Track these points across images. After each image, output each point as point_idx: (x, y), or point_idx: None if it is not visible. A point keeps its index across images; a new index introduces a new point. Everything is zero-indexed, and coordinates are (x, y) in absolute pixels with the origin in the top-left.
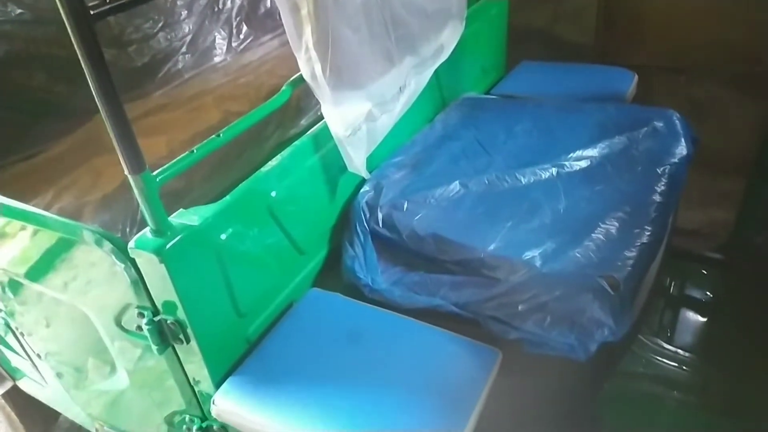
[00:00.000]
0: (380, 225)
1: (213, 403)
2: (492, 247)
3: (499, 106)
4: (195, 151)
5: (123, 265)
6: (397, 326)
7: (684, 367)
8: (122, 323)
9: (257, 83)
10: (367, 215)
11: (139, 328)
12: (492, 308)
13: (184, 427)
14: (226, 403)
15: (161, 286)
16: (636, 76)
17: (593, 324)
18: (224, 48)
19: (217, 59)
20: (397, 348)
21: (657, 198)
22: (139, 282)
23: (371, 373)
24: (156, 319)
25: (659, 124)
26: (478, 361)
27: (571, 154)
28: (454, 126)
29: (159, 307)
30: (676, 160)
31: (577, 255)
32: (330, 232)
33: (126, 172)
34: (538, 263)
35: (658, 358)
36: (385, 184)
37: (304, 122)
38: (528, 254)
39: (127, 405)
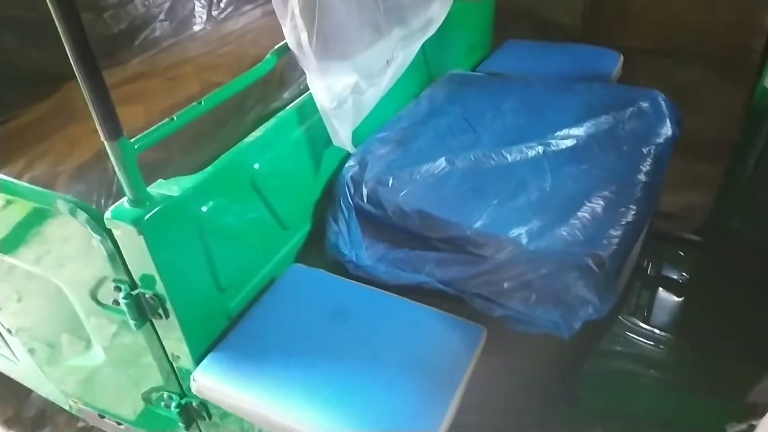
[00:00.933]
0: (365, 200)
1: (193, 380)
2: (478, 224)
3: (485, 84)
4: (175, 118)
5: (99, 237)
6: (381, 303)
7: (660, 346)
8: (98, 297)
9: (239, 53)
10: (352, 190)
11: (116, 302)
12: (477, 285)
13: (162, 404)
14: (206, 380)
15: (139, 258)
16: (621, 57)
17: (578, 302)
18: (204, 16)
19: (196, 28)
20: (381, 325)
21: (642, 178)
22: (116, 254)
23: (355, 351)
24: (134, 293)
25: (645, 105)
26: (463, 338)
27: (558, 133)
28: (441, 102)
29: (137, 280)
30: (661, 140)
31: (563, 233)
32: (313, 207)
33: (102, 138)
34: (524, 241)
35: (635, 337)
36: (370, 159)
37: (286, 95)
38: (514, 232)
39: (103, 382)
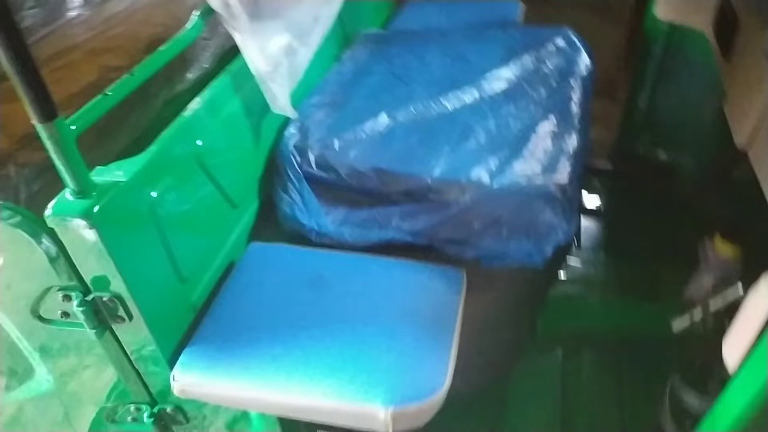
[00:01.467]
0: (314, 167)
1: (173, 380)
2: (436, 171)
3: (404, 40)
4: (109, 93)
5: (38, 239)
6: (355, 265)
7: (596, 267)
8: (41, 314)
9: (132, 34)
10: (298, 159)
11: (65, 314)
12: (447, 231)
13: (129, 418)
14: (187, 377)
15: (91, 257)
16: (522, 5)
17: (548, 229)
18: (78, 1)
19: (72, 13)
20: (361, 286)
21: (576, 108)
22: (61, 257)
23: (341, 316)
24: (88, 298)
25: (560, 42)
26: (447, 284)
27: (487, 76)
28: (365, 62)
29: (89, 284)
30: (583, 72)
31: (521, 167)
32: (258, 181)
33: (35, 121)
34: (486, 180)
35: (572, 263)
36: (310, 124)
37: (190, 76)
38: (474, 173)
39: (50, 410)
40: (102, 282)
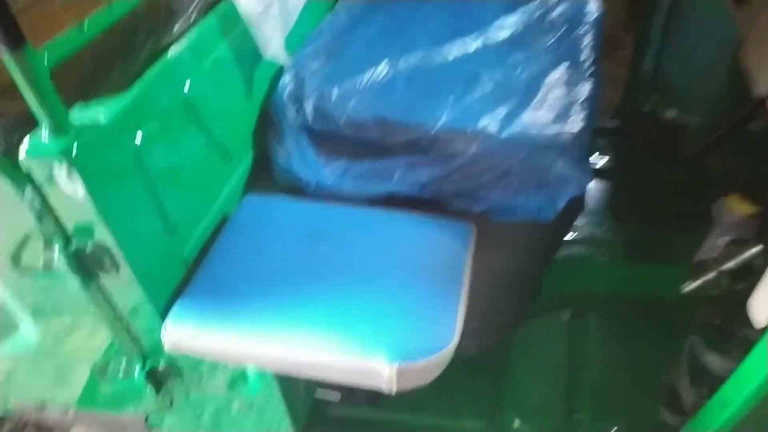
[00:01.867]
0: (310, 118)
1: (164, 330)
2: (442, 121)
3: None
4: (85, 27)
5: (16, 186)
6: (357, 217)
7: (603, 228)
8: (22, 265)
9: None
10: (294, 109)
11: (47, 265)
12: (454, 184)
13: (120, 375)
14: (179, 330)
15: (72, 204)
16: None
17: (559, 180)
18: None
19: None
20: (364, 239)
21: (586, 56)
22: (39, 203)
23: (344, 268)
24: (72, 248)
25: None
26: (454, 238)
27: (492, 24)
28: (360, 11)
29: (70, 233)
30: (591, 19)
31: (531, 116)
32: (253, 133)
33: (2, 53)
34: (494, 129)
35: (578, 223)
36: (305, 74)
37: (176, 29)
38: (482, 122)
39: (44, 372)
40: (85, 230)
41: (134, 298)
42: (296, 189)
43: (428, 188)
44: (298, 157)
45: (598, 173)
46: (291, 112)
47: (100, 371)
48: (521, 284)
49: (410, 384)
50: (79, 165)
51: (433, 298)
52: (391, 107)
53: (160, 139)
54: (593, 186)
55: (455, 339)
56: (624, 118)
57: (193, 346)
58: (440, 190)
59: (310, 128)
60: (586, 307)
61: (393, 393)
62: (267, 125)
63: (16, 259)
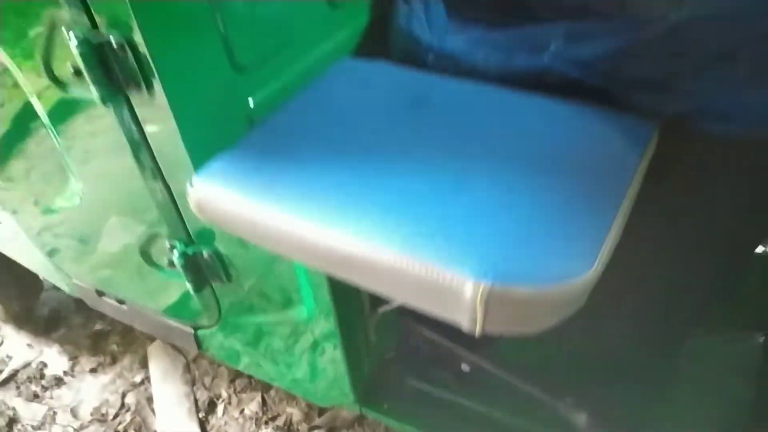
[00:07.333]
0: None
1: (189, 188)
2: None
3: None
4: None
5: None
6: (485, 95)
7: None
8: None
9: None
10: None
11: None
12: (637, 65)
13: (165, 260)
14: (207, 186)
15: None
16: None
17: None
18: None
19: None
20: (490, 121)
21: None
22: None
23: (453, 147)
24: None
25: None
26: (623, 137)
27: None
28: None
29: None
30: None
31: None
32: None
33: None
34: None
35: None
36: None
37: None
38: None
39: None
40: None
41: (174, 154)
42: (412, 56)
43: (595, 68)
44: (422, 15)
45: None
46: None
47: (144, 251)
48: (726, 255)
49: (505, 324)
50: None
51: (568, 210)
52: None
53: None
54: None
55: (590, 272)
56: None
57: (221, 211)
58: (614, 72)
59: None
60: None
61: (477, 332)
62: None
63: None
